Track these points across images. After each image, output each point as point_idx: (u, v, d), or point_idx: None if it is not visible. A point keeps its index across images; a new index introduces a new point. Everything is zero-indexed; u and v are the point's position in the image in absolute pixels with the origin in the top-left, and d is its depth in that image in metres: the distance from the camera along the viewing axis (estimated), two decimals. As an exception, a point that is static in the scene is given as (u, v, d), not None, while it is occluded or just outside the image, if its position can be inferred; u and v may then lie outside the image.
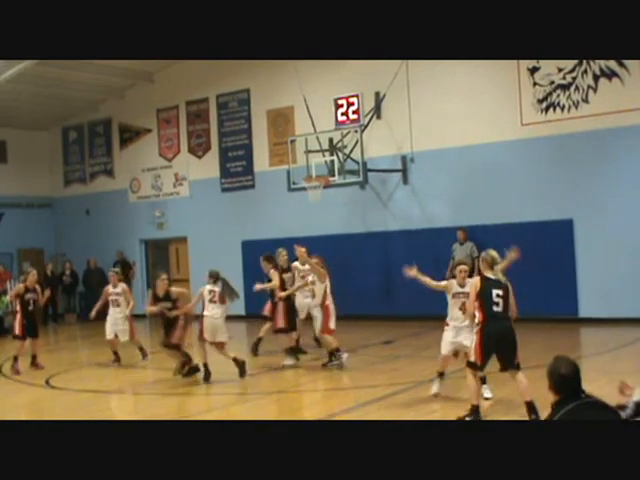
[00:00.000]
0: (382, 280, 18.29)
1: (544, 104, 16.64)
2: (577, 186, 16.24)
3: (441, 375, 9.91)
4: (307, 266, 12.94)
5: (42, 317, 23.06)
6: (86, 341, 19.57)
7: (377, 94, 18.32)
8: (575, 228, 16.31)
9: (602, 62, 15.81)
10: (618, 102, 15.65)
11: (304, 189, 17.47)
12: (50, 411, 10.36)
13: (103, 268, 23.59)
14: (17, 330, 13.92)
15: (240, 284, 20.48)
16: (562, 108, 16.44)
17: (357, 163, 17.12)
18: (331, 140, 17.28)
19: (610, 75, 15.79)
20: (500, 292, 8.59)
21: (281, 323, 13.42)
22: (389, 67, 17.20)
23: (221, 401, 10.95)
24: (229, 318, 20.15)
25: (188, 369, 12.15)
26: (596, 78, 15.99)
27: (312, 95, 18.46)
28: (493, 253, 8.90)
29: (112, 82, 22.46)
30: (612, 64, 15.71)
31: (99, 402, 10.94)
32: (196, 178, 22.18)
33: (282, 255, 14.06)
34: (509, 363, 8.59)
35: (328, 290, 12.63)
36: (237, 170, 21.38)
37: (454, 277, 10.36)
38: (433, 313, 17.28)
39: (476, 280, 8.74)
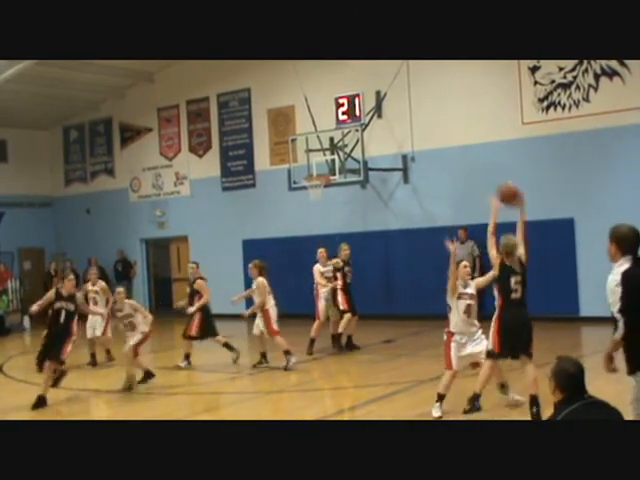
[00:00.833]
0: (382, 279, 18.29)
1: (545, 103, 16.63)
2: (578, 185, 16.23)
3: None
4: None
5: (42, 316, 23.13)
6: (86, 340, 19.56)
7: (378, 93, 18.31)
8: (576, 227, 16.30)
9: (603, 61, 15.80)
10: (619, 101, 15.63)
11: (305, 188, 17.46)
12: (50, 411, 10.34)
13: (104, 267, 23.65)
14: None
15: (241, 283, 20.52)
16: (563, 107, 16.43)
17: (358, 162, 17.12)
18: (332, 139, 17.28)
19: (611, 74, 15.78)
20: (518, 278, 8.49)
21: (194, 331, 13.44)
22: (390, 66, 17.19)
23: (220, 401, 10.94)
24: (229, 318, 20.17)
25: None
26: (597, 77, 15.97)
27: (313, 94, 18.45)
28: (511, 238, 8.82)
29: (113, 82, 22.45)
30: (613, 63, 15.70)
31: (99, 401, 10.94)
32: (197, 177, 22.18)
33: (344, 250, 14.17)
34: (524, 350, 8.49)
35: (268, 295, 13.05)
36: (238, 169, 21.37)
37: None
38: (433, 312, 17.33)
39: (497, 262, 8.65)
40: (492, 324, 8.60)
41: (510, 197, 8.80)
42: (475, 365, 9.42)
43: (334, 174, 17.02)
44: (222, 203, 21.69)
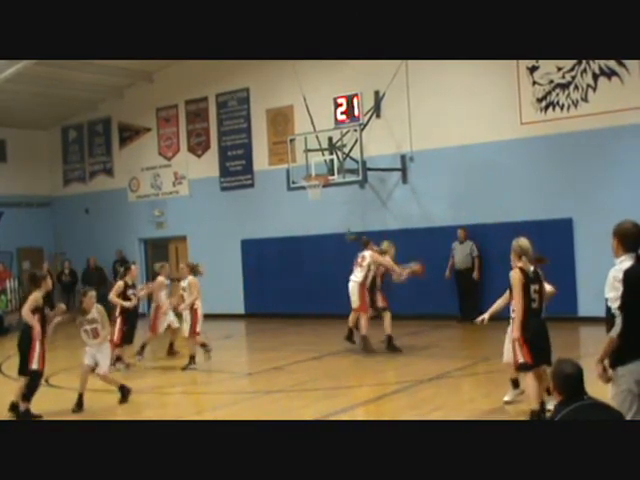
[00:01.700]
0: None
1: (543, 103, 16.63)
2: (576, 185, 16.24)
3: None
4: None
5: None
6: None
7: (377, 93, 18.31)
8: (575, 227, 16.31)
9: (601, 61, 15.80)
10: (618, 101, 15.64)
11: (303, 188, 17.46)
12: (49, 410, 10.33)
13: (103, 267, 23.67)
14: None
15: (239, 283, 20.56)
16: (561, 107, 16.44)
17: (356, 162, 17.12)
18: (330, 139, 17.28)
19: (609, 74, 15.78)
20: (537, 287, 8.31)
21: (118, 338, 12.93)
22: (389, 66, 17.18)
23: (220, 401, 10.94)
24: (229, 317, 20.15)
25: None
26: (595, 77, 15.98)
27: (311, 94, 18.45)
28: (523, 242, 8.45)
29: (111, 81, 22.45)
30: (612, 63, 15.70)
31: (98, 401, 10.93)
32: (195, 177, 22.18)
33: (390, 248, 14.08)
34: (547, 358, 8.26)
35: (198, 294, 13.22)
36: (236, 169, 21.37)
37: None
38: (432, 312, 17.37)
39: (518, 273, 8.19)
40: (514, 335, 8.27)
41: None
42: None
43: (333, 174, 17.02)
44: (221, 203, 21.69)
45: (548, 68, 16.44)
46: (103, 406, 10.63)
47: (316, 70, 18.63)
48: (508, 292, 8.69)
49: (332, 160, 17.09)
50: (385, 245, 14.02)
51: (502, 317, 16.38)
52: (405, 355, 13.80)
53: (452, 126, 17.59)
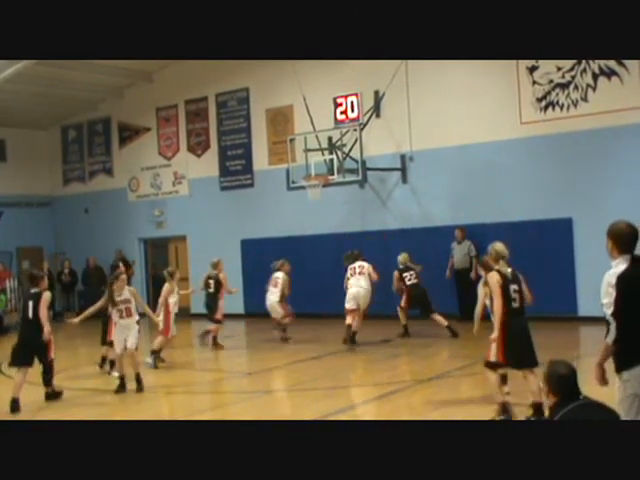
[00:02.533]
0: (380, 279, 18.24)
1: (543, 103, 16.64)
2: (576, 185, 16.24)
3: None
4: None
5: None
6: (85, 340, 19.55)
7: (376, 93, 18.31)
8: (574, 227, 16.31)
9: (601, 61, 15.80)
10: (617, 101, 15.64)
11: (303, 188, 17.46)
12: (48, 410, 10.34)
13: (102, 267, 23.64)
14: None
15: (239, 283, 20.53)
16: (561, 107, 16.44)
17: (356, 162, 17.12)
18: (330, 139, 17.27)
19: (609, 74, 15.78)
20: (516, 287, 8.36)
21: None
22: (388, 66, 17.18)
23: (220, 400, 10.95)
24: (229, 317, 20.10)
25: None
26: (595, 77, 15.98)
27: (311, 94, 18.45)
28: (499, 247, 8.57)
29: (111, 81, 22.44)
30: (611, 63, 15.70)
31: (98, 401, 10.94)
32: (195, 177, 22.18)
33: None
34: (531, 362, 8.29)
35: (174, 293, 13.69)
36: (236, 169, 21.37)
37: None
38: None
39: (496, 276, 8.31)
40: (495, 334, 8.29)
41: None
42: None
43: (332, 174, 17.02)
44: (220, 203, 21.69)
45: (548, 68, 16.44)
46: (102, 406, 10.62)
47: (316, 70, 18.63)
48: (482, 293, 8.96)
49: (332, 160, 17.09)
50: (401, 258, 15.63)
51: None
52: (404, 355, 13.81)
53: (452, 126, 17.59)
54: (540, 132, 16.60)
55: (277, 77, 19.95)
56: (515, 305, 8.28)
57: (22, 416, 9.92)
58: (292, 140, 18.23)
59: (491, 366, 8.39)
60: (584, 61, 16.01)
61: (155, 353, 13.39)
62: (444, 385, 10.73)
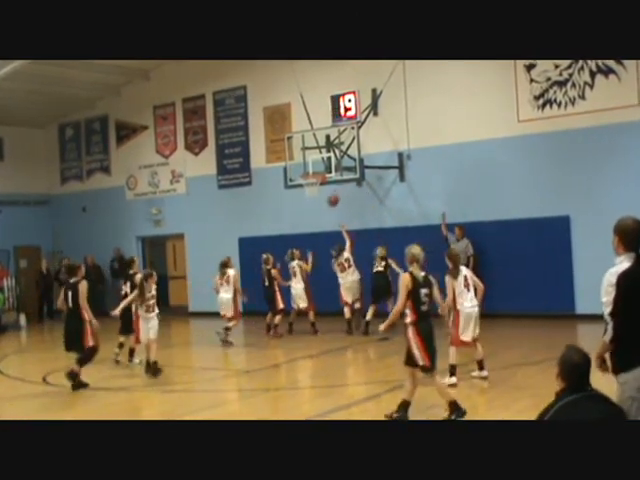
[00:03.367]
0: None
1: (541, 101, 16.64)
2: (574, 183, 16.25)
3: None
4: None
5: (38, 314, 23.14)
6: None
7: (374, 91, 18.31)
8: (572, 225, 16.32)
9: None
10: (615, 99, 15.65)
11: (301, 186, 17.47)
12: (47, 409, 10.35)
13: (100, 265, 23.65)
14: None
15: (237, 281, 20.51)
16: (559, 105, 16.44)
17: (354, 160, 17.11)
18: (328, 137, 17.26)
19: (607, 72, 15.79)
20: (427, 291, 8.48)
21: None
22: (386, 64, 17.17)
23: (219, 399, 10.95)
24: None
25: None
26: (592, 75, 15.99)
27: (309, 92, 18.45)
28: (415, 249, 8.64)
29: (108, 79, 22.42)
30: (609, 61, 15.69)
31: (96, 399, 10.95)
32: (193, 175, 22.17)
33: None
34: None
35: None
36: (234, 167, 21.37)
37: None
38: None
39: (407, 278, 8.39)
40: (410, 339, 8.43)
41: None
42: None
43: (330, 172, 17.02)
44: (218, 201, 21.69)
45: (545, 66, 16.44)
46: (102, 405, 10.63)
47: (313, 68, 18.62)
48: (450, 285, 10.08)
49: (329, 158, 17.09)
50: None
51: (503, 315, 16.40)
52: (401, 353, 13.80)
53: (449, 124, 17.59)
54: (538, 130, 16.61)
55: (275, 75, 19.94)
56: (424, 308, 8.43)
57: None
58: (290, 138, 18.23)
59: (426, 370, 8.44)
60: (581, 59, 16.01)
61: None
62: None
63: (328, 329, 16.27)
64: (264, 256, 16.52)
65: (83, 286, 11.59)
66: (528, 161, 16.82)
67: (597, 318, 5.67)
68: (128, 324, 13.05)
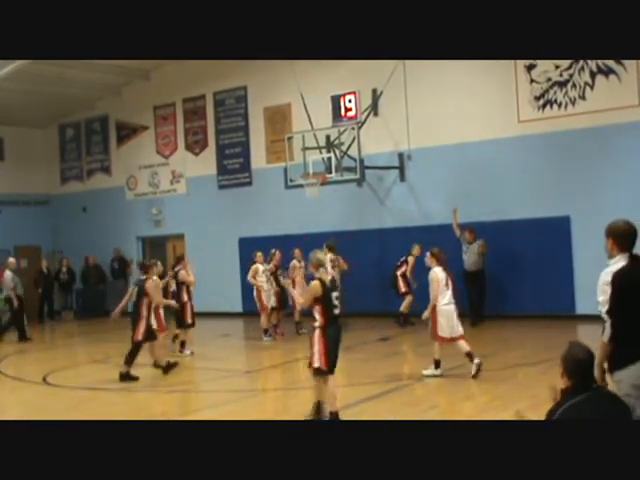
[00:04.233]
0: (378, 277, 18.27)
1: (541, 101, 16.64)
2: (574, 183, 16.24)
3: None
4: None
5: (38, 314, 23.13)
6: (83, 338, 19.58)
7: (374, 91, 18.31)
8: (572, 225, 16.32)
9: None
10: (615, 99, 15.65)
11: (301, 186, 17.46)
12: (47, 409, 10.35)
13: (101, 265, 23.67)
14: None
15: (237, 281, 20.53)
16: (559, 105, 16.44)
17: (354, 160, 17.11)
18: (328, 137, 17.25)
19: (607, 72, 15.79)
20: (337, 294, 8.56)
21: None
22: (386, 65, 17.18)
23: (218, 399, 10.95)
24: (227, 315, 20.11)
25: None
26: (593, 75, 15.99)
27: (309, 92, 18.45)
28: (319, 254, 8.72)
29: (108, 80, 22.42)
30: (609, 61, 15.69)
31: (96, 400, 10.95)
32: (193, 175, 22.17)
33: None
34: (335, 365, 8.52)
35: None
36: (234, 167, 21.37)
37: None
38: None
39: (317, 284, 8.37)
40: (315, 341, 8.43)
41: None
42: None
43: (330, 172, 17.02)
44: (218, 201, 21.69)
45: (546, 66, 16.44)
46: (102, 405, 10.63)
47: (314, 68, 18.61)
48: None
49: (330, 158, 17.08)
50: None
51: (503, 315, 16.41)
52: (401, 353, 13.81)
53: (450, 124, 17.59)
54: (538, 130, 16.60)
55: (275, 76, 19.93)
56: (335, 312, 8.50)
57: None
58: (290, 138, 18.23)
59: (319, 373, 8.47)
60: (582, 59, 16.01)
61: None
62: (441, 383, 10.73)
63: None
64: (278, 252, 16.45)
65: (149, 284, 12.09)
66: (528, 161, 16.82)
67: (597, 319, 5.68)
68: (183, 317, 14.16)
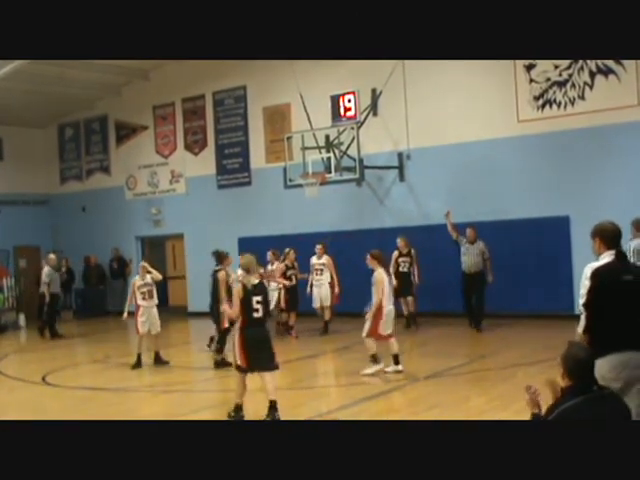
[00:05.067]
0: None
1: (540, 101, 16.65)
2: (574, 183, 16.25)
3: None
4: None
5: (37, 314, 23.12)
6: (83, 338, 19.57)
7: (374, 91, 18.31)
8: (571, 225, 16.33)
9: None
10: (614, 99, 15.66)
11: (301, 186, 17.47)
12: (46, 409, 10.35)
13: (102, 265, 23.67)
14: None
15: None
16: (558, 105, 16.45)
17: (353, 160, 17.11)
18: (327, 137, 17.26)
19: (606, 72, 15.80)
20: (259, 298, 8.70)
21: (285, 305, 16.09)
22: (385, 64, 17.16)
23: (217, 398, 10.95)
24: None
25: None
26: (592, 75, 15.99)
27: (308, 92, 18.45)
28: (248, 258, 8.95)
29: (108, 79, 22.41)
30: (608, 61, 15.70)
31: (96, 400, 10.94)
32: (192, 175, 22.17)
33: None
34: (264, 365, 8.76)
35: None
36: (233, 167, 21.37)
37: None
38: (428, 310, 17.36)
39: (238, 288, 8.71)
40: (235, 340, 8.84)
41: None
42: None
43: (330, 172, 17.03)
44: (218, 201, 21.69)
45: (545, 66, 16.45)
46: (102, 405, 10.63)
47: (313, 68, 18.61)
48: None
49: (329, 158, 17.09)
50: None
51: (503, 315, 16.38)
52: (402, 352, 13.79)
53: (449, 124, 17.59)
54: (537, 130, 16.61)
55: (274, 75, 19.93)
56: (257, 315, 8.69)
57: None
58: (289, 138, 18.23)
59: (239, 370, 8.88)
60: (581, 59, 16.01)
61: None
62: (441, 383, 10.74)
63: (335, 329, 16.27)
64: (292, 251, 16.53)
65: (221, 275, 12.41)
66: (528, 161, 16.82)
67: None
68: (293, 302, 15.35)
